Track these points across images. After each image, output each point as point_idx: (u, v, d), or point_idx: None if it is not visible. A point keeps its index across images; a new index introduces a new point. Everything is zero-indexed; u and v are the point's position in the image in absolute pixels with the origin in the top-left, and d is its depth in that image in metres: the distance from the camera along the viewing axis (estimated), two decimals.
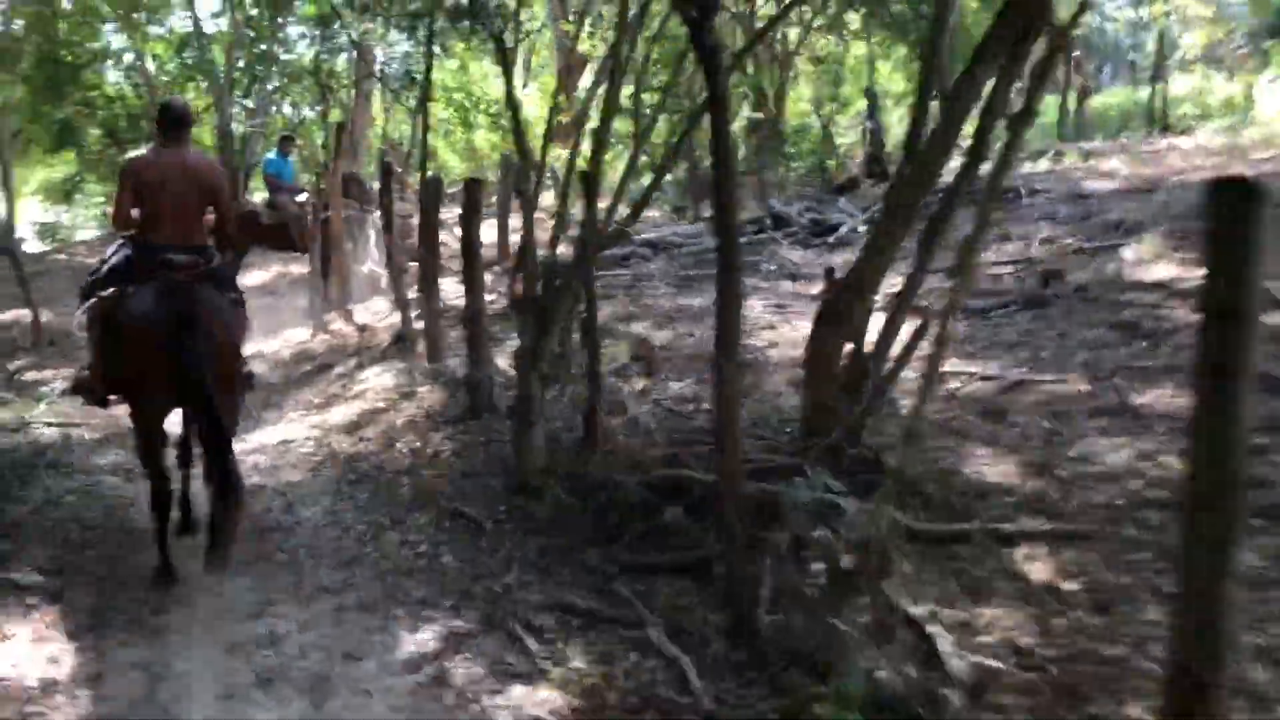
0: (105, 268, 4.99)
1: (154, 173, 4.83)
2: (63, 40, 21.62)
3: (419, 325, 9.13)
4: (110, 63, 23.41)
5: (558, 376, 5.54)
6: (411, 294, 9.55)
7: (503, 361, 7.43)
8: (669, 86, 6.58)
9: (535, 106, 19.27)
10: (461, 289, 10.09)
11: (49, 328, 12.83)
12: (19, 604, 4.53)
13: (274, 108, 25.39)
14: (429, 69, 9.74)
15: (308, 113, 26.38)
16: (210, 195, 4.99)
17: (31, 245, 23.73)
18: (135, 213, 4.89)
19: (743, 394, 6.18)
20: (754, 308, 8.16)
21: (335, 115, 18.43)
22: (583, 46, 20.14)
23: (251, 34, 23.54)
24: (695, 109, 8.11)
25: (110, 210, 5.37)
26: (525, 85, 21.05)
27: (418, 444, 6.52)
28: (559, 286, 5.43)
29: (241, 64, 23.67)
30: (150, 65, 23.60)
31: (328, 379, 8.79)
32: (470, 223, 6.83)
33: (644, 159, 14.30)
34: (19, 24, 20.45)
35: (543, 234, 7.62)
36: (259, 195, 15.37)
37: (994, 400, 5.64)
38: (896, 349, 4.87)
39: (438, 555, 5.04)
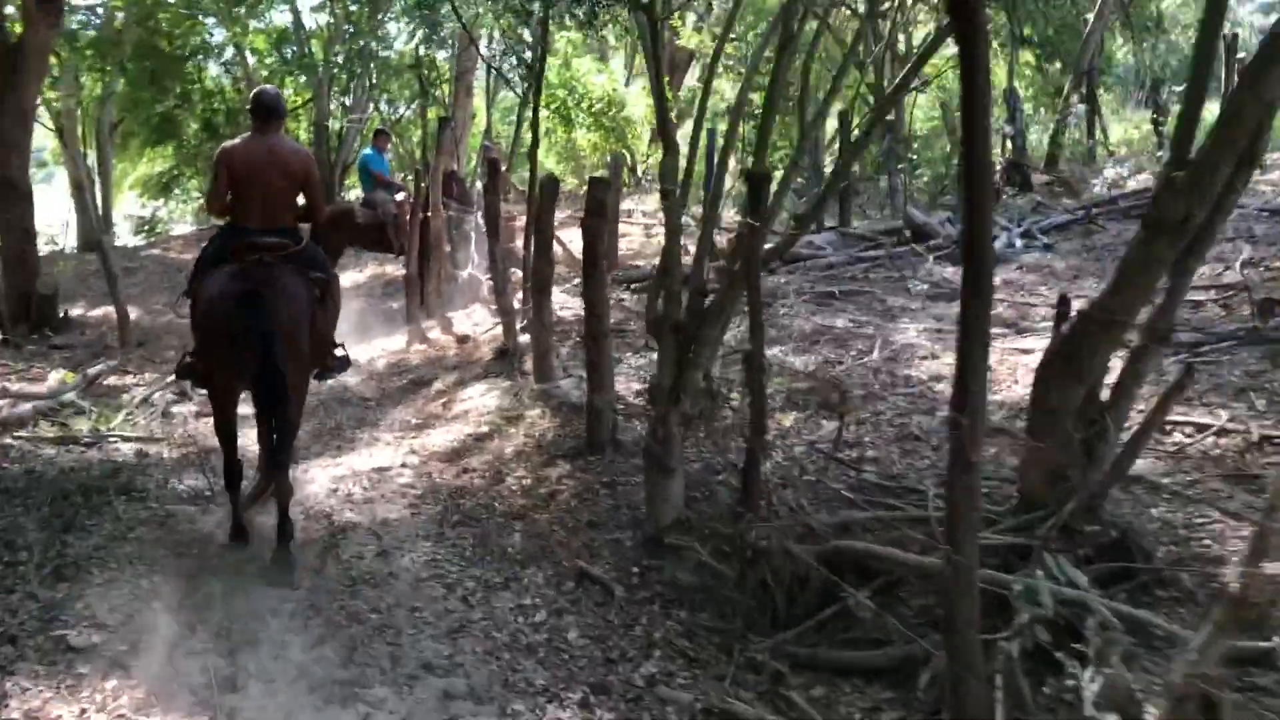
0: (202, 255, 5.28)
1: (245, 159, 5.00)
2: (164, 32, 21.45)
3: (524, 339, 8.38)
4: (210, 56, 23.23)
5: (702, 413, 4.67)
6: (516, 303, 8.81)
7: (622, 386, 6.61)
8: (841, 71, 5.64)
9: (640, 106, 18.50)
10: (568, 300, 9.39)
11: (138, 327, 12.40)
12: (69, 673, 3.81)
13: (371, 104, 25.09)
14: (544, 54, 8.93)
15: (404, 110, 26.05)
16: (300, 182, 5.18)
17: (126, 239, 23.70)
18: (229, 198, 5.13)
19: (934, 446, 5.30)
20: (907, 331, 7.21)
21: (435, 112, 17.79)
22: (690, 41, 19.35)
23: (350, 29, 23.24)
24: (887, 98, 7.24)
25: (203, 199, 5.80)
26: (628, 84, 20.31)
27: (529, 480, 5.72)
28: (709, 308, 4.56)
29: (340, 59, 23.39)
30: (250, 59, 23.40)
31: (426, 396, 8.06)
32: (595, 228, 6.01)
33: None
34: (120, 16, 20.24)
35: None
36: (355, 193, 14.76)
37: (1240, 461, 4.62)
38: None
39: (560, 627, 4.22)
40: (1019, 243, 8.91)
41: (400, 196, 11.87)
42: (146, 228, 24.99)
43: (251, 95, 5.26)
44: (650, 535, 4.72)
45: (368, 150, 12.50)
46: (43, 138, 21.95)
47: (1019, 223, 9.58)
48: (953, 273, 8.34)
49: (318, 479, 6.17)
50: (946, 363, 6.38)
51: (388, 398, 8.29)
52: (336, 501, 5.80)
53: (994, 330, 7.12)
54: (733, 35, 18.69)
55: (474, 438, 6.65)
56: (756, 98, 10.30)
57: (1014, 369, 6.22)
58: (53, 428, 7.10)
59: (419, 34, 14.59)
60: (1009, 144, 13.07)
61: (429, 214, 10.86)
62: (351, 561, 4.90)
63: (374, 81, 24.55)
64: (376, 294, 14.02)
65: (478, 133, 19.55)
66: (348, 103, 24.67)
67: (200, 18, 22.35)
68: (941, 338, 6.84)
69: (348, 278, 14.04)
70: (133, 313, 13.40)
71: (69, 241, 20.43)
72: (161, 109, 23.18)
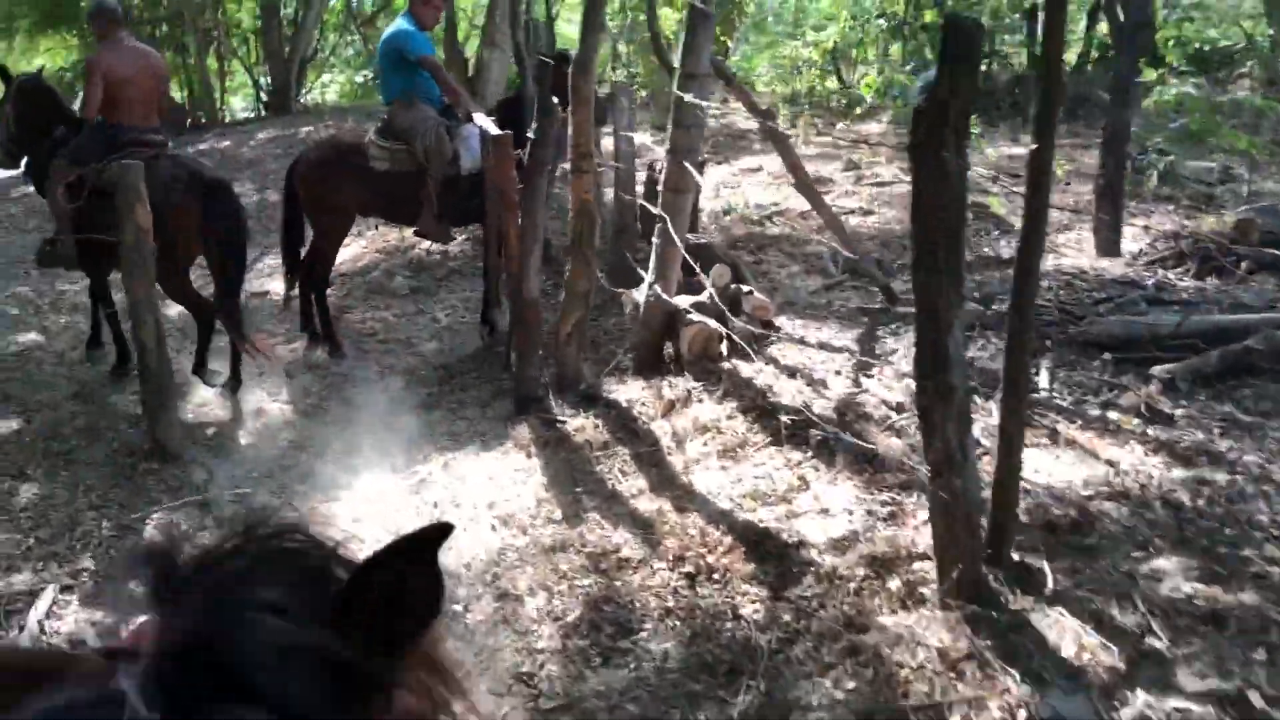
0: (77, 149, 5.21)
1: (119, 64, 5.11)
2: None
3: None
4: None
5: None
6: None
7: None
8: None
9: None
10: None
11: None
12: None
13: None
14: None
15: None
16: (165, 80, 5.56)
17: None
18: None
19: None
20: None
21: None
22: None
23: None
24: None
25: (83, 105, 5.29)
26: None
27: None
28: None
29: None
30: None
31: None
32: None
33: None
34: None
35: None
36: (369, 123, 7.78)
37: None
38: None
39: None
40: None
41: (483, 121, 5.35)
42: None
43: (92, 8, 5.37)
44: None
45: (402, 23, 5.80)
46: None
47: None
48: None
49: None
50: None
51: None
52: None
53: None
54: None
55: None
56: None
57: None
58: None
59: None
60: None
61: (581, 164, 4.42)
62: None
63: None
64: (387, 295, 7.30)
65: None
66: None
67: None
68: None
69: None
70: None
71: None
72: None
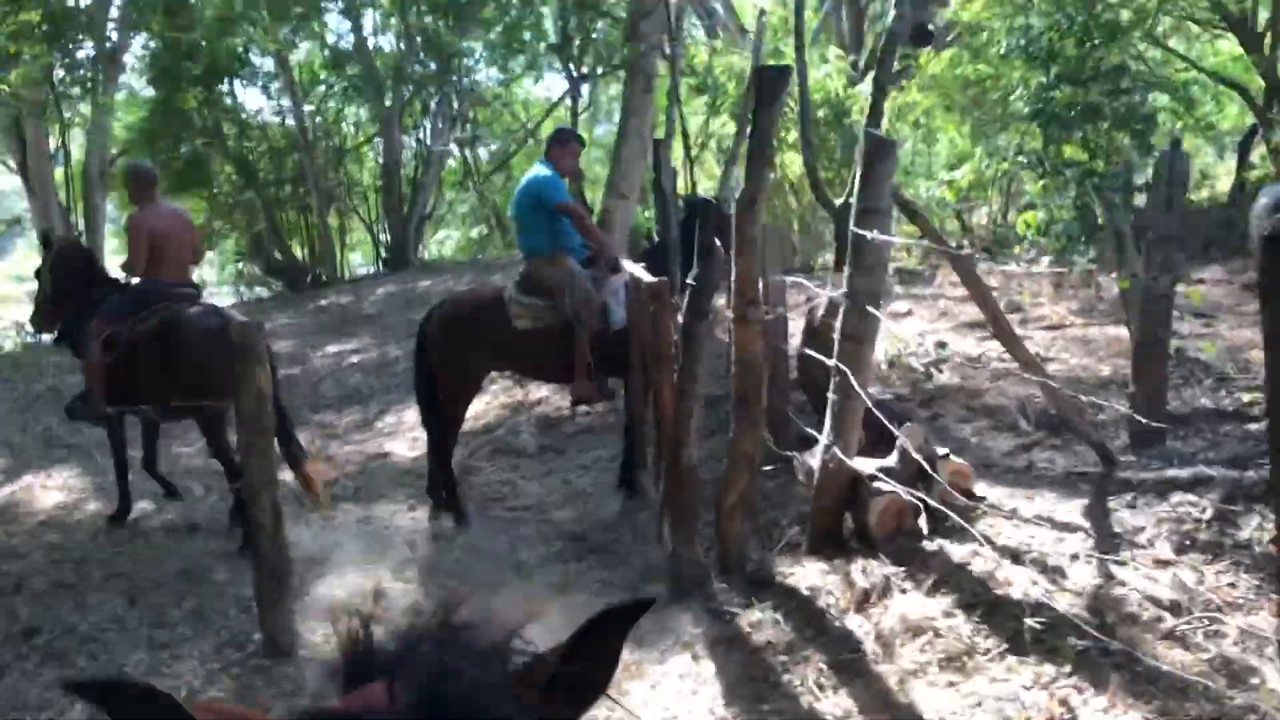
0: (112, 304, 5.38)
1: (160, 223, 5.36)
2: (188, 48, 14.84)
3: None
4: (246, 77, 16.46)
5: None
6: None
7: None
8: None
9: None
10: None
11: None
12: None
13: (453, 143, 18.16)
14: None
15: (493, 147, 19.27)
16: (193, 238, 5.69)
17: None
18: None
19: None
20: None
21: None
22: None
23: (420, 51, 16.51)
24: None
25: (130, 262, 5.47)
26: (860, 80, 13.02)
27: None
28: None
29: (414, 82, 16.60)
30: (296, 81, 16.61)
31: None
32: None
33: None
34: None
35: None
36: (501, 278, 7.38)
37: None
38: None
39: None
40: None
41: (633, 269, 4.90)
42: None
43: (131, 171, 5.83)
44: None
45: (540, 169, 5.41)
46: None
47: None
48: None
49: None
50: None
51: None
52: None
53: None
54: None
55: None
56: None
57: None
58: None
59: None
60: None
61: (746, 312, 3.86)
62: None
63: (456, 110, 17.73)
64: (514, 454, 6.75)
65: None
66: (422, 137, 17.82)
67: (237, 30, 15.68)
68: None
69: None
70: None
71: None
72: (187, 148, 16.49)
